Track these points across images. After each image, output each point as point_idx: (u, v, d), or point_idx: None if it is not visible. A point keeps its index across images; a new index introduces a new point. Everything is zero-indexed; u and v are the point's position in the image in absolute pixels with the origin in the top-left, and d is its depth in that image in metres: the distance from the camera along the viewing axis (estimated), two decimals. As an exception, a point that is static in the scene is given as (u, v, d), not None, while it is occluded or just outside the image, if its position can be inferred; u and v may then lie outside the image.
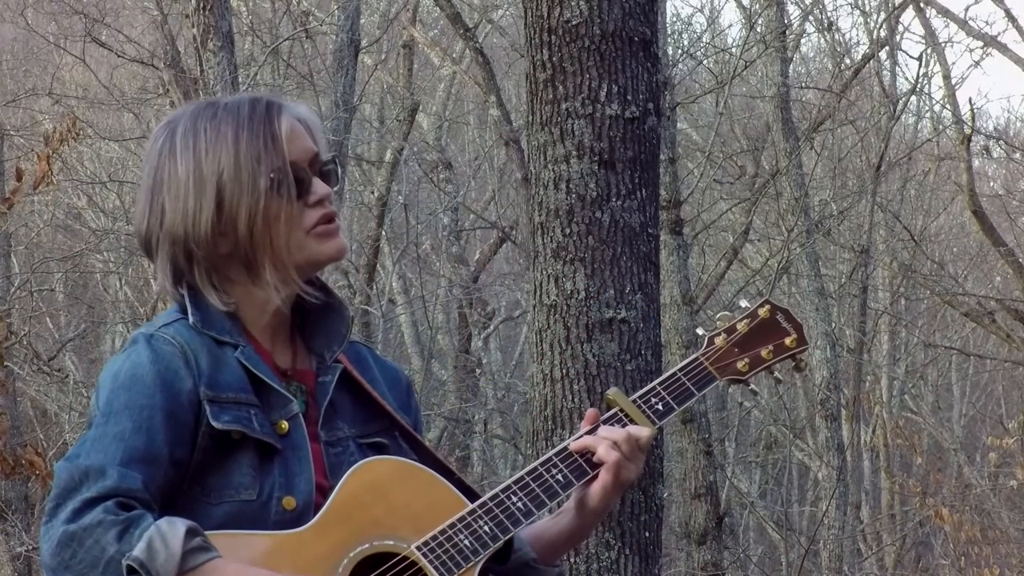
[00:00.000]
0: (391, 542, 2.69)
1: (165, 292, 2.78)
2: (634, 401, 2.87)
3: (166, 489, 2.64)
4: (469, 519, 2.73)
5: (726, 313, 2.98)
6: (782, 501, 21.48)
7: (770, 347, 2.96)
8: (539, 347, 6.25)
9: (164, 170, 2.74)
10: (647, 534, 6.20)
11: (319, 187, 2.76)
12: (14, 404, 15.84)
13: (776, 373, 2.99)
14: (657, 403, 2.88)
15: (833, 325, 17.64)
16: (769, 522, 20.88)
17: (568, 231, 6.20)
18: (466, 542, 2.70)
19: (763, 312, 2.98)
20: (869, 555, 21.09)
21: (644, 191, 6.25)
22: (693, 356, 2.93)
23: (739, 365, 2.94)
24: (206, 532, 2.59)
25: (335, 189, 2.80)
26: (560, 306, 6.19)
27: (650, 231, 6.29)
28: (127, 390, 2.65)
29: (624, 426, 2.84)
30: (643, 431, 2.83)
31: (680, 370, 2.92)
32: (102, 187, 18.90)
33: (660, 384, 2.89)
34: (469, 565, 2.70)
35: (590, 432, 2.85)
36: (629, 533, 6.12)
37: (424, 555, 2.68)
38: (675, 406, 2.89)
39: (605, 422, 2.86)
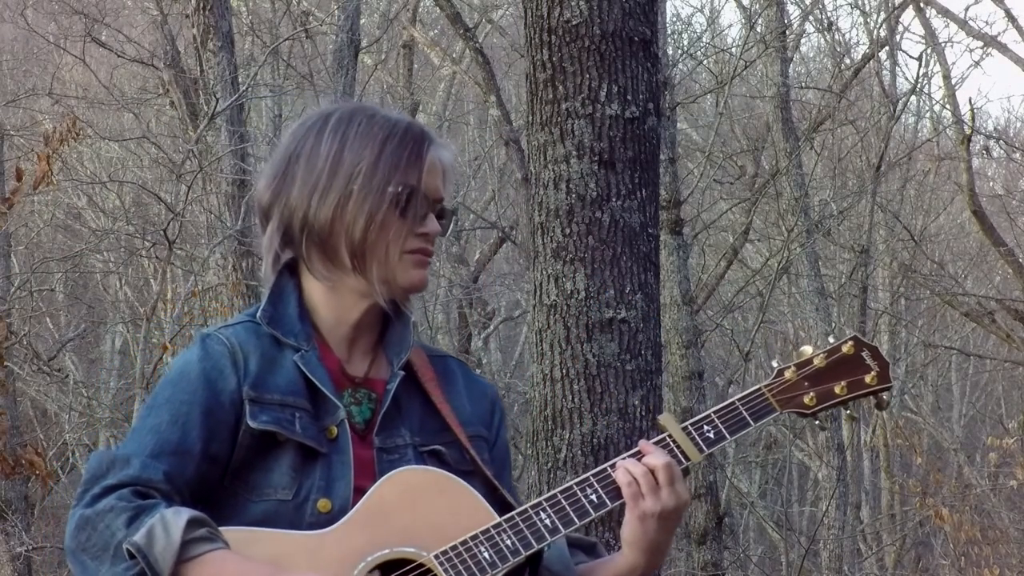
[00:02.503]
0: (411, 549, 2.71)
1: (267, 272, 2.87)
2: (685, 428, 2.85)
3: (200, 483, 2.71)
4: (493, 532, 2.74)
5: (808, 348, 2.93)
6: (782, 501, 21.48)
7: (844, 383, 2.91)
8: (539, 347, 6.24)
9: (306, 145, 2.84)
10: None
11: (431, 223, 2.84)
12: (14, 404, 15.83)
13: (850, 411, 2.95)
14: (709, 431, 2.85)
15: (833, 325, 17.63)
16: (769, 522, 20.88)
17: (568, 231, 6.20)
18: (486, 554, 2.72)
19: (847, 348, 2.92)
20: (869, 555, 21.08)
21: (644, 191, 6.25)
22: (756, 387, 2.90)
23: (805, 399, 2.90)
24: (241, 528, 2.65)
25: (443, 237, 2.89)
26: (560, 306, 6.19)
27: (650, 231, 6.28)
28: (172, 386, 2.75)
29: (670, 451, 2.82)
30: (658, 461, 2.79)
31: (739, 399, 2.89)
32: (102, 187, 18.87)
33: (716, 412, 2.86)
34: None
35: (633, 456, 2.82)
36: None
37: (441, 564, 2.71)
38: (727, 435, 2.85)
39: (654, 445, 2.83)
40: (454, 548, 2.72)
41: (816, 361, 2.90)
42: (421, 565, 2.70)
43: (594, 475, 2.81)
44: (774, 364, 2.94)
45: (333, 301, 2.84)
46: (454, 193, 2.95)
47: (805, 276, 17.32)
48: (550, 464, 6.16)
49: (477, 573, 2.70)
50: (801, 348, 2.94)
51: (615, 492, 2.79)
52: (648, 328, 6.21)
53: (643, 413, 6.17)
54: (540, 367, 6.24)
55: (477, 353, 20.09)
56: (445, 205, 2.87)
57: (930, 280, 19.02)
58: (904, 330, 23.25)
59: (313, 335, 2.82)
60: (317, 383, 2.77)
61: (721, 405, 2.86)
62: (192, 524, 2.60)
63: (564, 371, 6.17)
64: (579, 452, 6.14)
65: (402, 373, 2.85)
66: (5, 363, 11.69)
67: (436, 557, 2.71)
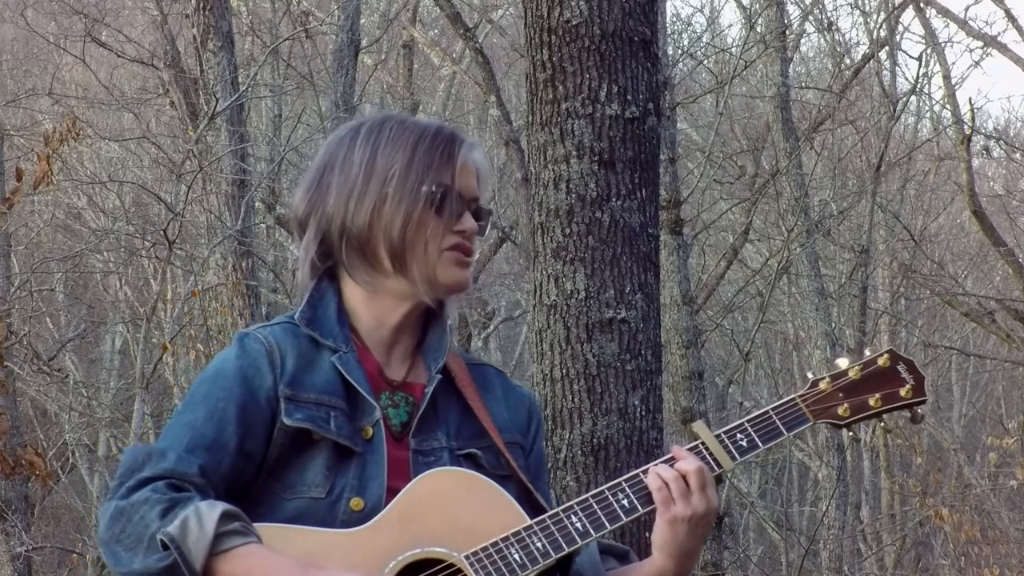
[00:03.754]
0: (442, 549, 2.73)
1: (304, 278, 2.91)
2: (718, 436, 2.87)
3: (235, 479, 2.74)
4: (524, 534, 2.76)
5: (844, 360, 2.94)
6: (782, 501, 21.48)
7: (878, 395, 2.92)
8: (539, 347, 6.24)
9: (340, 154, 2.90)
10: (647, 534, 6.19)
11: (468, 220, 2.89)
12: (14, 404, 15.82)
13: (883, 424, 2.97)
14: (742, 439, 2.87)
15: (833, 325, 17.63)
16: (769, 522, 20.88)
17: (568, 231, 6.20)
18: (516, 556, 2.74)
19: (882, 361, 2.94)
20: (869, 555, 21.08)
21: (644, 191, 6.25)
22: (790, 396, 2.93)
23: (839, 410, 2.91)
24: (273, 524, 2.68)
25: (481, 237, 2.92)
26: (560, 306, 6.19)
27: (650, 231, 6.28)
28: (210, 383, 2.79)
29: (703, 458, 2.84)
30: (690, 466, 2.82)
31: (773, 408, 2.91)
32: (102, 187, 18.88)
33: (749, 420, 2.89)
34: None
35: (666, 461, 2.85)
36: (629, 533, 6.11)
37: (471, 564, 2.72)
38: (760, 444, 2.87)
39: (688, 451, 2.86)
40: (484, 549, 2.73)
41: (851, 373, 2.92)
42: (451, 565, 2.72)
43: (626, 480, 2.83)
44: (809, 375, 2.95)
45: (373, 304, 2.87)
46: (489, 195, 2.97)
47: (805, 276, 17.31)
48: (550, 464, 6.16)
49: (507, 574, 2.72)
50: (836, 360, 2.95)
51: (647, 497, 2.82)
52: (648, 328, 6.21)
53: (643, 413, 6.17)
54: (540, 367, 6.24)
55: (477, 353, 20.10)
56: (482, 203, 2.91)
57: (930, 280, 19.02)
58: (904, 330, 23.24)
59: (351, 338, 2.86)
60: (354, 383, 2.80)
61: (755, 414, 2.89)
62: (225, 517, 2.62)
63: (564, 371, 6.17)
64: (579, 452, 6.14)
65: (440, 376, 2.88)
66: (5, 363, 11.69)
67: (467, 558, 2.72)
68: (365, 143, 2.89)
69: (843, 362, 2.93)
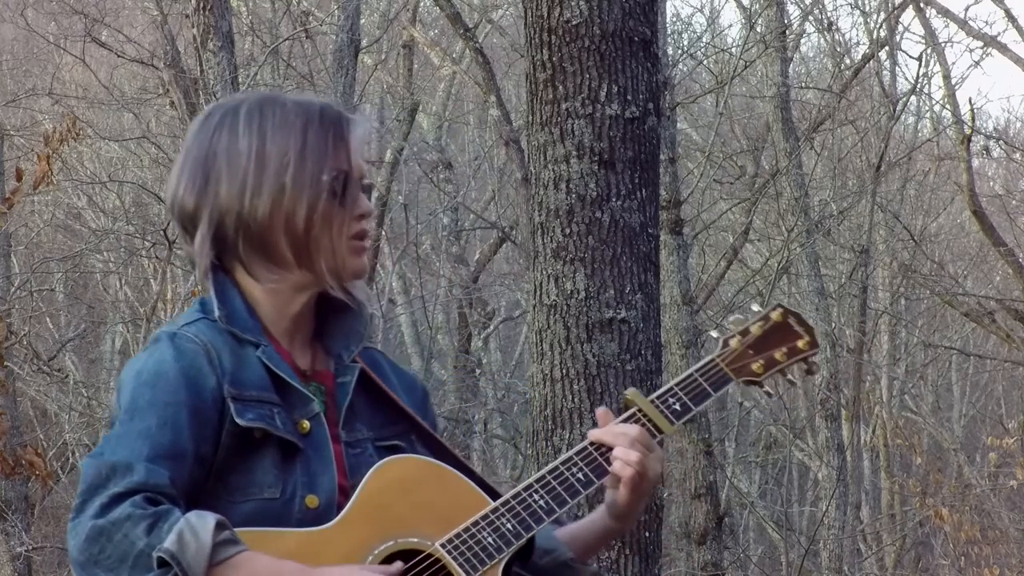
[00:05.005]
0: (415, 539, 2.71)
1: (202, 276, 2.78)
2: (652, 401, 2.89)
3: (192, 486, 2.64)
4: (492, 517, 2.74)
5: (739, 316, 3.01)
6: (782, 501, 21.49)
7: (784, 349, 2.99)
8: (539, 347, 6.24)
9: (220, 144, 2.75)
10: (647, 534, 6.20)
11: (364, 203, 2.79)
12: (14, 404, 15.83)
13: (789, 376, 3.02)
14: (675, 403, 2.90)
15: (833, 325, 17.64)
16: (769, 522, 20.89)
17: (568, 231, 6.20)
18: (490, 539, 2.72)
19: (776, 315, 3.00)
20: (869, 555, 21.09)
21: (644, 191, 6.25)
22: (709, 357, 2.96)
23: (754, 367, 2.97)
24: (248, 529, 2.61)
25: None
26: (560, 306, 6.19)
27: (650, 231, 6.29)
28: (151, 387, 2.65)
29: (643, 426, 2.86)
30: (634, 430, 2.85)
31: (697, 370, 2.94)
32: (102, 187, 18.89)
33: (677, 384, 2.91)
34: (493, 563, 2.71)
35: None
36: (629, 533, 6.12)
37: (449, 552, 2.70)
38: (692, 406, 2.91)
39: (623, 422, 2.87)
40: (459, 536, 2.71)
41: (754, 329, 2.98)
42: (429, 555, 2.70)
43: (576, 454, 2.84)
44: (714, 334, 3.00)
45: (272, 296, 2.77)
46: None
47: (805, 276, 17.31)
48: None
49: (485, 559, 2.71)
50: (731, 318, 3.01)
51: (599, 468, 2.83)
52: (648, 328, 6.21)
53: (643, 413, 6.16)
54: (540, 367, 6.24)
55: (477, 353, 20.10)
56: (365, 182, 2.81)
57: (930, 280, 19.02)
58: (904, 330, 23.25)
59: (263, 331, 2.76)
60: (286, 377, 2.72)
61: (681, 377, 2.92)
62: (218, 527, 2.54)
63: (564, 371, 6.17)
64: (579, 452, 6.13)
65: (359, 366, 2.82)
66: (5, 363, 11.68)
67: (443, 546, 2.70)
68: (248, 130, 2.75)
69: (740, 318, 3.00)
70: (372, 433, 2.81)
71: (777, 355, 2.98)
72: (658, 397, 2.89)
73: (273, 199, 2.72)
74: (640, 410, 2.88)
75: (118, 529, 2.54)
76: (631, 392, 2.90)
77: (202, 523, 2.54)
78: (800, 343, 2.99)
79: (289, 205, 2.72)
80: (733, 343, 2.96)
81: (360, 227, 2.78)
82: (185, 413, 2.64)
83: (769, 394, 3.00)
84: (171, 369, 2.66)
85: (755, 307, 3.03)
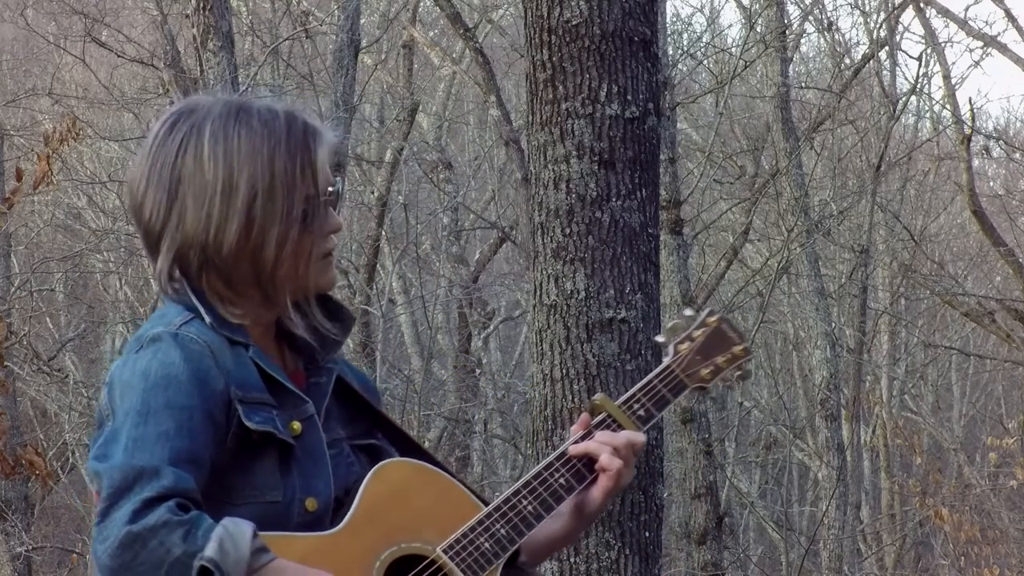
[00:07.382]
0: (418, 544, 2.73)
1: (163, 288, 2.72)
2: (621, 408, 2.93)
3: (205, 491, 2.59)
4: (487, 522, 2.77)
5: (679, 322, 3.04)
6: (782, 501, 21.50)
7: (726, 355, 3.04)
8: (539, 347, 6.24)
9: (186, 168, 2.68)
10: (647, 534, 6.20)
11: (333, 219, 2.75)
12: (14, 404, 15.84)
13: (727, 382, 3.07)
14: (639, 409, 2.94)
15: (833, 325, 17.64)
16: (769, 522, 20.89)
17: (568, 231, 6.20)
18: (486, 545, 2.75)
19: (712, 321, 3.05)
20: (869, 555, 21.09)
21: (644, 191, 6.25)
22: (666, 363, 2.99)
23: (703, 373, 3.02)
24: (265, 533, 2.57)
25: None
26: (560, 306, 6.19)
27: (650, 231, 6.28)
28: (163, 389, 2.60)
29: (616, 431, 2.90)
30: (639, 436, 2.90)
31: (656, 377, 2.98)
32: (102, 187, 18.90)
33: (639, 391, 2.95)
34: (492, 568, 2.74)
35: (585, 436, 2.89)
36: (629, 533, 6.12)
37: (451, 558, 2.72)
38: (655, 412, 2.96)
39: (596, 427, 2.90)
40: (458, 541, 2.73)
41: (696, 335, 3.03)
42: (433, 562, 2.72)
43: (557, 459, 2.88)
44: (659, 339, 3.05)
45: (249, 309, 2.75)
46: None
47: (805, 276, 17.33)
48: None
49: (484, 564, 2.74)
50: (671, 323, 3.04)
51: (578, 474, 2.87)
52: (648, 328, 6.21)
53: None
54: (540, 367, 6.24)
55: (477, 353, 20.10)
56: (332, 189, 2.75)
57: (930, 280, 19.02)
58: (904, 330, 23.25)
59: (247, 332, 2.73)
60: (280, 379, 2.70)
61: (641, 385, 2.95)
62: (252, 535, 2.51)
63: (564, 371, 6.17)
64: (579, 452, 6.13)
65: (335, 367, 2.81)
66: (5, 363, 11.69)
67: (445, 552, 2.72)
68: (213, 155, 2.67)
69: (679, 323, 3.03)
70: (345, 432, 2.80)
71: (720, 361, 3.03)
72: (624, 403, 2.93)
73: (239, 234, 2.67)
74: (610, 416, 2.92)
75: (153, 535, 2.49)
76: (600, 397, 2.94)
77: (239, 530, 2.50)
78: (736, 349, 3.05)
79: (257, 239, 2.67)
80: (683, 349, 3.01)
81: (329, 245, 2.74)
82: (200, 416, 2.60)
83: (713, 399, 3.03)
84: (182, 371, 2.61)
85: (688, 311, 3.07)
